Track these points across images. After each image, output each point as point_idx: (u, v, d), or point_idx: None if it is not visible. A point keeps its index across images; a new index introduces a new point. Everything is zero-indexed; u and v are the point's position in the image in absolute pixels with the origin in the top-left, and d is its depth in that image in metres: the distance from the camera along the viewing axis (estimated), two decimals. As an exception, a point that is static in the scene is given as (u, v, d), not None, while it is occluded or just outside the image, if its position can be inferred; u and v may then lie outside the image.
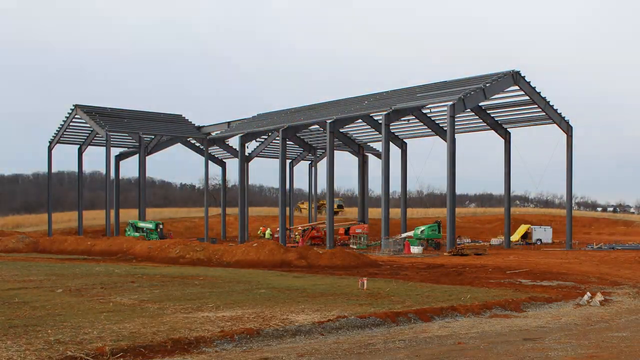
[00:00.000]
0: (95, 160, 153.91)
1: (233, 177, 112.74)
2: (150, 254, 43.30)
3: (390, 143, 58.76)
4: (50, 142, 79.95)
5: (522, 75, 56.03)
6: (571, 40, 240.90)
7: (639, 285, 26.43)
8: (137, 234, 65.45)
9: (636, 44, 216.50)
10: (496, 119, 63.96)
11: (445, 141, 52.71)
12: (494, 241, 68.83)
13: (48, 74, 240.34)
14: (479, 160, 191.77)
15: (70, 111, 76.58)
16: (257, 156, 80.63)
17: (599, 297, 20.76)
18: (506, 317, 17.43)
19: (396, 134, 70.21)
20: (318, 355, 12.19)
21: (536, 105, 58.94)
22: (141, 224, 69.11)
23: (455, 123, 53.58)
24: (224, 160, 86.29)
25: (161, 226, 69.06)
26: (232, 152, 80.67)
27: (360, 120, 64.93)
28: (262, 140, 76.27)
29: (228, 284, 24.64)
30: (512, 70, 55.66)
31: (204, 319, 15.29)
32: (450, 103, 51.86)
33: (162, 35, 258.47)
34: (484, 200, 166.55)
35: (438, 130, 64.04)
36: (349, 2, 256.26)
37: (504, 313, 18.10)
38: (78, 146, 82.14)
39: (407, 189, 73.48)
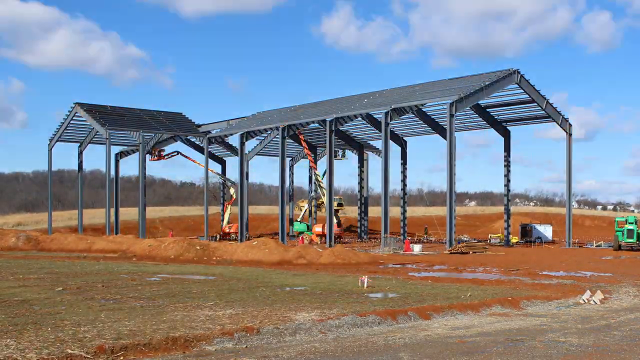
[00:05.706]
0: (95, 158, 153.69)
1: (233, 176, 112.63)
2: (151, 252, 43.30)
3: (390, 141, 58.77)
4: (50, 140, 79.94)
5: (522, 73, 56.00)
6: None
7: (638, 283, 26.45)
8: None
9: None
10: (496, 117, 63.92)
11: (445, 139, 52.71)
12: (494, 240, 68.81)
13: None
14: (479, 159, 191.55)
15: (70, 109, 76.56)
16: (257, 154, 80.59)
17: (599, 295, 20.75)
18: (506, 315, 17.43)
19: (396, 132, 70.19)
20: (318, 353, 12.18)
21: (536, 104, 58.91)
22: None
23: (455, 121, 53.57)
24: (223, 158, 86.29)
25: None
26: (232, 150, 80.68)
27: (360, 119, 64.96)
28: (262, 138, 76.26)
29: (228, 282, 24.66)
30: (512, 69, 55.59)
31: (204, 317, 15.29)
32: (450, 101, 51.87)
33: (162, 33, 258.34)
34: (484, 198, 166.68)
35: (438, 129, 64.03)
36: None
37: (503, 311, 18.10)
38: (78, 144, 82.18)
39: (407, 187, 73.55)
